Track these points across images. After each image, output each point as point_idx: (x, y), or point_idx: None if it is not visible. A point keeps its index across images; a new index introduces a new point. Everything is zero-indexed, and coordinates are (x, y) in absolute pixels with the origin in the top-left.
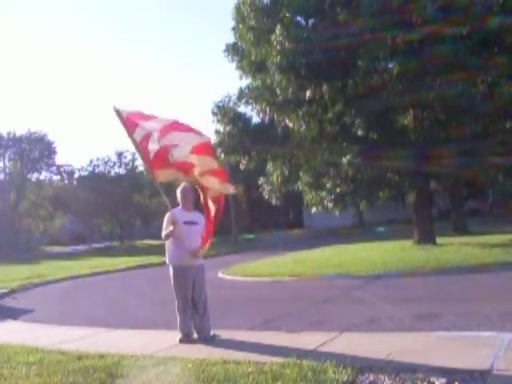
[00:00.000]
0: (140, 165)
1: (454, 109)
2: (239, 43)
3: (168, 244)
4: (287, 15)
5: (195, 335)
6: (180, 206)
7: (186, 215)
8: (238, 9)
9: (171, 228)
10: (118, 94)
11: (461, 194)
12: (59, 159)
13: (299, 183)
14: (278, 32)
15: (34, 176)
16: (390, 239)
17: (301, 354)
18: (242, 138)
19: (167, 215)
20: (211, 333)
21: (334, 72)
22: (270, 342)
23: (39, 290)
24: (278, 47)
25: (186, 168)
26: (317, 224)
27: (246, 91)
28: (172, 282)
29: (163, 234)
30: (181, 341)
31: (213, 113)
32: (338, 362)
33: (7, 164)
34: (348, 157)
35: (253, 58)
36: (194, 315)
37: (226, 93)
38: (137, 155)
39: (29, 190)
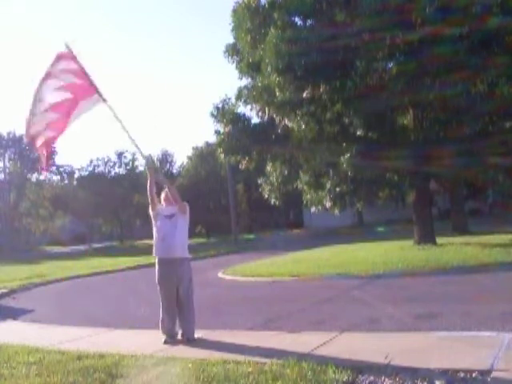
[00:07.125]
0: (140, 165)
1: (453, 109)
2: (238, 45)
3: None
4: (282, 17)
5: (179, 336)
6: (163, 204)
7: (167, 210)
8: (235, 11)
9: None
10: (118, 93)
11: (461, 194)
12: (59, 159)
13: (298, 182)
14: (271, 34)
15: (34, 176)
16: (390, 239)
17: (301, 354)
18: (241, 139)
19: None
20: (195, 335)
21: (332, 72)
22: (270, 342)
23: (39, 289)
24: (273, 49)
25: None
26: (317, 224)
27: (245, 91)
28: (156, 277)
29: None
30: (165, 342)
31: (212, 115)
32: (338, 362)
33: (7, 164)
34: (347, 156)
35: (250, 60)
36: (179, 314)
37: (225, 93)
38: (136, 155)
39: (29, 190)
